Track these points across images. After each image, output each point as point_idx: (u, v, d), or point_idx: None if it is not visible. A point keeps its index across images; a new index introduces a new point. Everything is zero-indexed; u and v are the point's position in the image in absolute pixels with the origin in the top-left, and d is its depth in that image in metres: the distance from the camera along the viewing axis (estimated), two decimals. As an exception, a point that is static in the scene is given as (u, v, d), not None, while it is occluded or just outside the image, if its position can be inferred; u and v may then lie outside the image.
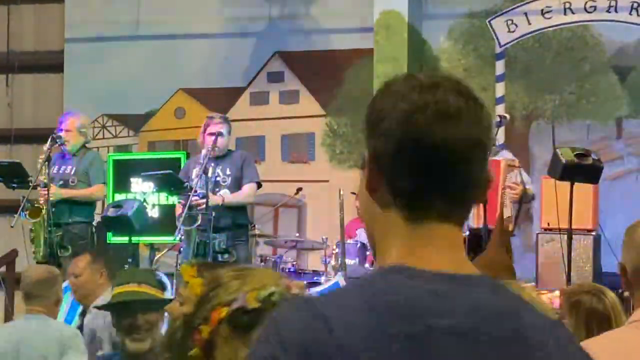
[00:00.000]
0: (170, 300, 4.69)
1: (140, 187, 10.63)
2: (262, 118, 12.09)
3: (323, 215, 10.94)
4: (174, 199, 9.36)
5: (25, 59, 12.72)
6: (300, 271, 9.82)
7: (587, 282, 4.32)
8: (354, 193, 10.35)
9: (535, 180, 9.44)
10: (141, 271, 4.68)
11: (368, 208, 1.74)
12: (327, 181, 11.62)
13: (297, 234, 10.66)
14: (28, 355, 5.50)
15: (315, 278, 9.54)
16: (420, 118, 1.67)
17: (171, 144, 12.37)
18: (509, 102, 11.11)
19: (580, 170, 7.96)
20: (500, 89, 11.31)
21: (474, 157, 1.70)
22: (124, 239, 8.86)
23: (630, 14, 10.92)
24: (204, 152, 8.68)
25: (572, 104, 11.10)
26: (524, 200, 8.53)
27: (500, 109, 10.74)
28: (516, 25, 11.26)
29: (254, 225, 9.82)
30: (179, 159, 10.50)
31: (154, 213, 10.45)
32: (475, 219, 8.23)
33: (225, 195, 8.67)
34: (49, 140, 8.84)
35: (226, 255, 8.50)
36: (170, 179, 8.82)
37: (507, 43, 11.31)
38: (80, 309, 7.16)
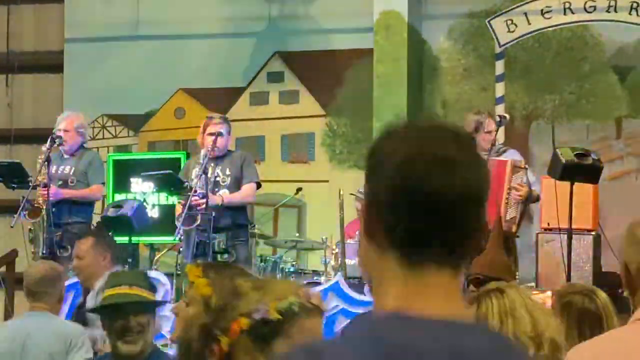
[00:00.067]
0: (162, 302, 4.70)
1: (140, 187, 10.64)
2: (262, 118, 12.09)
3: (323, 215, 10.94)
4: (173, 199, 9.36)
5: (25, 59, 12.72)
6: (300, 271, 9.83)
7: (578, 282, 4.33)
8: (353, 194, 10.37)
9: (536, 180, 9.44)
10: (132, 273, 4.67)
11: (366, 250, 1.76)
12: (327, 181, 11.62)
13: (297, 234, 10.67)
14: (34, 353, 5.49)
15: (315, 278, 9.54)
16: (417, 166, 1.69)
17: (171, 144, 12.37)
18: (509, 102, 11.11)
19: (580, 170, 7.96)
20: (500, 89, 11.31)
21: (470, 205, 1.72)
22: (124, 239, 8.85)
23: (630, 13, 10.92)
24: (203, 152, 8.68)
25: (572, 104, 11.10)
26: (529, 201, 8.52)
27: (500, 109, 10.74)
28: (516, 25, 11.26)
29: (254, 225, 9.82)
30: (178, 159, 10.51)
31: (153, 213, 10.46)
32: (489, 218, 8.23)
33: (224, 195, 8.67)
34: (49, 140, 8.84)
35: (226, 255, 8.50)
36: (170, 179, 8.82)
37: (507, 43, 11.31)
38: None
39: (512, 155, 8.75)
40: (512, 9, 11.27)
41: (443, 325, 1.67)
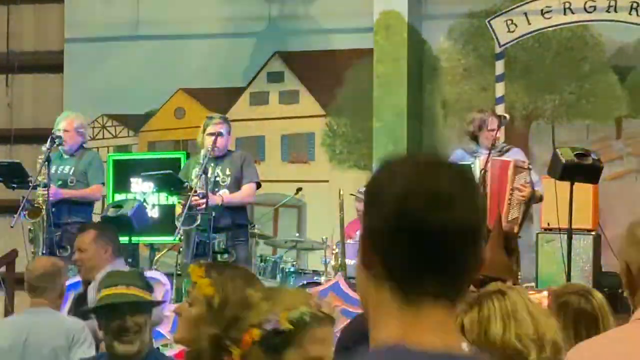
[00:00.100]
0: (158, 302, 4.69)
1: (140, 187, 10.64)
2: (262, 118, 12.09)
3: (323, 215, 10.94)
4: (173, 199, 9.36)
5: (25, 59, 12.72)
6: (300, 271, 9.83)
7: (574, 282, 4.34)
8: (353, 194, 10.37)
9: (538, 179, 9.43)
10: (128, 273, 4.66)
11: (363, 282, 1.76)
12: (327, 181, 11.62)
13: (297, 234, 10.67)
14: (37, 348, 5.49)
15: (315, 278, 9.54)
16: (414, 203, 1.69)
17: (171, 144, 12.37)
18: (509, 102, 11.11)
19: (580, 170, 7.96)
20: (500, 89, 11.31)
21: (467, 242, 1.72)
22: (124, 239, 8.85)
23: (630, 13, 10.92)
24: (203, 152, 8.68)
25: (572, 104, 11.10)
26: (532, 201, 8.50)
27: (500, 109, 10.74)
28: (516, 25, 11.27)
29: (254, 225, 9.81)
30: (178, 159, 10.51)
31: (153, 213, 10.46)
32: (489, 218, 8.23)
33: (224, 195, 8.67)
34: (49, 140, 8.83)
35: (226, 255, 8.50)
36: (170, 179, 8.82)
37: (507, 43, 11.31)
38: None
39: (515, 154, 8.72)
40: (512, 9, 11.27)
41: (440, 359, 1.67)
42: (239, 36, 12.12)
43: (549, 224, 9.39)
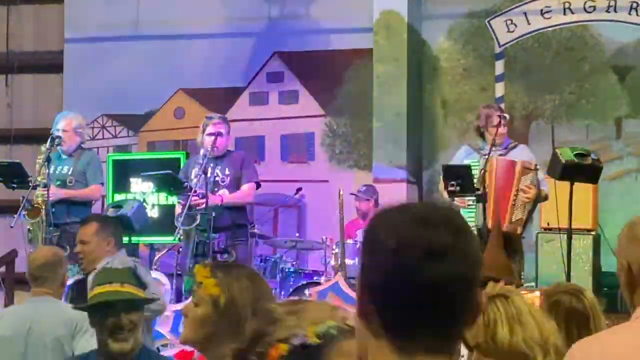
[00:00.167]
0: (152, 299, 4.69)
1: (140, 187, 10.64)
2: (261, 118, 12.09)
3: (323, 215, 10.94)
4: (173, 199, 9.37)
5: (25, 59, 12.72)
6: (300, 271, 9.83)
7: (565, 282, 4.35)
8: (353, 194, 10.37)
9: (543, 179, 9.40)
10: (121, 270, 4.64)
11: (361, 333, 1.76)
12: (326, 181, 11.62)
13: (297, 234, 10.66)
14: (40, 337, 5.49)
15: (315, 278, 9.54)
16: (407, 256, 1.69)
17: (171, 144, 12.37)
18: (509, 102, 11.11)
19: (580, 170, 7.96)
20: (499, 89, 11.31)
21: (461, 293, 1.72)
22: (124, 239, 8.85)
23: (629, 13, 10.92)
24: (202, 152, 8.68)
25: (572, 104, 11.11)
26: (538, 201, 8.46)
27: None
28: (515, 25, 11.27)
29: (254, 225, 9.81)
30: (178, 159, 10.51)
31: (153, 213, 10.46)
32: (488, 219, 8.22)
33: (224, 195, 8.67)
34: (49, 140, 8.83)
35: (225, 255, 8.50)
36: (170, 179, 8.82)
37: (507, 43, 11.31)
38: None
39: (522, 151, 8.68)
40: (511, 9, 11.28)
41: None
42: (239, 36, 12.13)
43: (548, 224, 9.40)
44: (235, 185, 8.77)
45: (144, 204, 9.51)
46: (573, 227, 8.08)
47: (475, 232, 7.88)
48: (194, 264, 8.29)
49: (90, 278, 6.11)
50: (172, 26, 12.24)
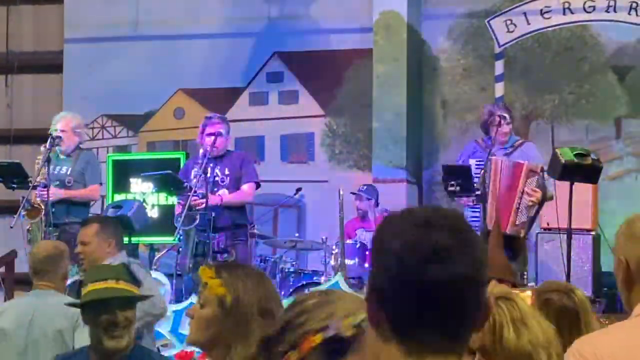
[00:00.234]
0: (146, 296, 4.68)
1: (140, 187, 10.63)
2: (261, 118, 12.09)
3: (322, 215, 10.95)
4: (173, 199, 9.37)
5: (25, 60, 12.72)
6: (299, 271, 9.82)
7: (557, 280, 4.38)
8: (353, 193, 10.37)
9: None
10: (115, 267, 4.63)
11: (371, 337, 1.79)
12: (326, 181, 11.62)
13: (297, 234, 10.66)
14: (42, 329, 5.50)
15: (314, 278, 9.54)
16: (411, 258, 1.73)
17: (170, 144, 12.37)
18: (508, 102, 11.09)
19: (580, 170, 7.95)
20: (499, 89, 11.31)
21: (466, 293, 1.74)
22: (124, 240, 8.85)
23: (629, 13, 10.92)
24: (202, 152, 8.68)
25: (572, 104, 11.11)
26: (543, 203, 8.41)
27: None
28: (515, 25, 11.27)
29: (253, 225, 9.81)
30: (178, 159, 10.51)
31: (153, 213, 10.46)
32: (488, 219, 8.20)
33: (223, 195, 8.67)
34: (49, 140, 8.83)
35: (225, 255, 8.50)
36: (170, 179, 8.82)
37: (506, 43, 11.31)
38: None
39: (529, 149, 8.63)
40: (511, 9, 11.28)
41: None
42: (239, 36, 12.13)
43: (548, 224, 9.39)
44: (235, 185, 8.77)
45: (144, 204, 9.50)
46: (573, 227, 8.07)
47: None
48: (193, 264, 8.29)
49: None
50: (171, 26, 12.24)
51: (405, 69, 11.18)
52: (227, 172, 8.78)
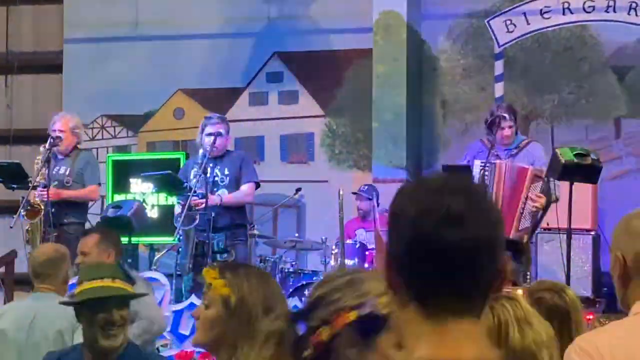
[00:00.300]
0: (142, 294, 4.68)
1: (140, 187, 10.64)
2: (261, 118, 12.09)
3: (322, 215, 10.95)
4: (173, 200, 9.37)
5: (25, 60, 12.73)
6: (299, 271, 9.82)
7: (549, 279, 4.40)
8: (354, 193, 10.37)
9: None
10: (110, 265, 4.62)
11: (394, 306, 1.84)
12: (326, 181, 11.62)
13: (297, 234, 10.66)
14: (42, 330, 5.50)
15: (314, 278, 9.53)
16: (426, 222, 1.76)
17: (170, 144, 12.37)
18: (508, 102, 11.10)
19: (580, 170, 7.94)
20: (499, 89, 11.31)
21: (481, 256, 1.77)
22: (124, 240, 8.84)
23: (628, 13, 10.93)
24: (202, 152, 8.68)
25: (571, 104, 11.11)
26: (547, 208, 8.36)
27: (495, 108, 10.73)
28: (515, 26, 11.27)
29: (253, 226, 9.81)
30: (178, 160, 10.51)
31: (153, 213, 10.46)
32: None
33: (223, 195, 8.67)
34: (49, 140, 8.83)
35: (225, 255, 8.50)
36: (170, 180, 8.82)
37: (506, 43, 11.32)
38: None
39: (534, 150, 8.57)
40: (511, 9, 11.28)
41: None
42: (238, 36, 12.13)
43: (548, 224, 9.39)
44: (234, 185, 8.77)
45: (144, 204, 9.51)
46: (572, 227, 8.07)
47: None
48: (193, 264, 8.30)
49: None
50: (171, 26, 12.24)
51: (405, 69, 11.18)
52: (226, 172, 8.78)
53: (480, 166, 8.30)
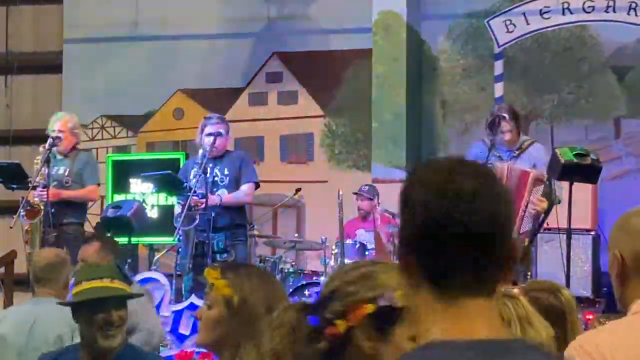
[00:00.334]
0: (139, 294, 4.68)
1: (140, 187, 10.64)
2: (261, 118, 12.09)
3: (322, 215, 10.94)
4: (173, 200, 9.37)
5: (24, 60, 12.73)
6: (299, 272, 9.83)
7: (544, 279, 4.40)
8: (355, 193, 10.37)
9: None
10: (107, 266, 4.62)
11: (407, 288, 1.86)
12: (326, 181, 11.62)
13: (296, 235, 10.66)
14: (42, 335, 5.50)
15: (314, 278, 9.54)
16: (438, 204, 1.79)
17: (170, 144, 12.37)
18: (508, 102, 11.10)
19: (579, 170, 7.94)
20: (499, 89, 11.31)
21: (494, 234, 1.80)
22: (124, 240, 8.86)
23: (628, 14, 10.93)
24: (201, 152, 8.68)
25: (571, 104, 11.11)
26: (550, 210, 8.33)
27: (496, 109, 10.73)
28: (515, 26, 11.27)
29: (253, 226, 9.81)
30: (177, 160, 10.51)
31: (153, 214, 10.46)
32: None
33: (223, 195, 8.67)
34: (48, 141, 8.83)
35: (225, 255, 8.50)
36: (170, 180, 8.82)
37: (506, 43, 11.32)
38: None
39: (536, 151, 8.56)
40: (510, 9, 11.28)
41: (484, 344, 1.76)
42: (238, 37, 12.13)
43: (548, 224, 9.38)
44: (234, 186, 8.77)
45: (144, 204, 9.51)
46: (572, 227, 8.07)
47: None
48: (193, 265, 8.30)
49: None
50: (171, 27, 12.24)
51: (404, 69, 11.19)
52: (226, 172, 8.78)
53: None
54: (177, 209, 8.67)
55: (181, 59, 12.18)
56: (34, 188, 8.68)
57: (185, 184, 8.56)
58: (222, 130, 8.71)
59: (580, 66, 11.11)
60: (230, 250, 8.55)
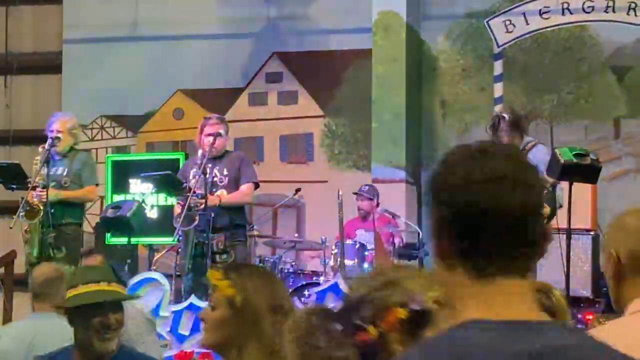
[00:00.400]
0: (137, 296, 4.68)
1: (139, 188, 10.64)
2: (260, 119, 12.09)
3: (322, 215, 10.94)
4: (172, 200, 9.36)
5: (24, 60, 12.73)
6: (299, 272, 9.82)
7: (536, 280, 4.41)
8: (355, 193, 10.37)
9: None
10: (103, 268, 4.61)
11: (440, 272, 1.89)
12: (325, 181, 11.63)
13: (296, 235, 10.66)
14: (44, 350, 5.48)
15: (314, 278, 9.54)
16: (470, 186, 1.83)
17: (170, 144, 12.37)
18: (507, 102, 11.12)
19: (579, 170, 7.95)
20: (498, 89, 11.32)
21: (524, 217, 1.83)
22: (123, 240, 8.86)
23: (627, 14, 10.93)
24: (201, 152, 8.67)
25: (570, 104, 11.11)
26: (552, 216, 8.33)
27: (498, 110, 10.74)
28: (514, 26, 11.27)
29: (253, 227, 9.81)
30: (177, 160, 10.51)
31: (152, 214, 10.46)
32: None
33: (222, 196, 8.66)
34: (48, 141, 8.83)
35: (224, 256, 8.50)
36: (169, 180, 8.82)
37: (505, 43, 11.32)
38: None
39: (538, 152, 8.56)
40: (510, 10, 11.28)
41: (517, 324, 1.79)
42: (238, 37, 12.13)
43: (547, 225, 9.38)
44: (233, 186, 8.76)
45: (143, 204, 9.50)
46: (572, 227, 8.07)
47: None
48: (193, 265, 8.29)
49: None
50: (170, 27, 12.24)
51: (404, 69, 11.19)
52: (225, 172, 8.77)
53: None
54: (177, 210, 8.67)
55: (181, 59, 12.18)
56: (34, 188, 8.68)
57: (185, 184, 8.56)
58: (221, 131, 8.70)
59: (580, 66, 11.11)
60: (230, 251, 8.54)
